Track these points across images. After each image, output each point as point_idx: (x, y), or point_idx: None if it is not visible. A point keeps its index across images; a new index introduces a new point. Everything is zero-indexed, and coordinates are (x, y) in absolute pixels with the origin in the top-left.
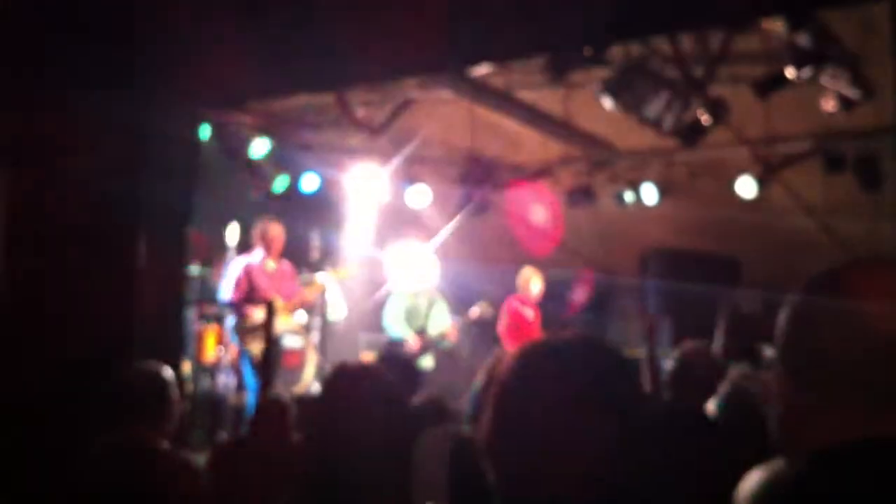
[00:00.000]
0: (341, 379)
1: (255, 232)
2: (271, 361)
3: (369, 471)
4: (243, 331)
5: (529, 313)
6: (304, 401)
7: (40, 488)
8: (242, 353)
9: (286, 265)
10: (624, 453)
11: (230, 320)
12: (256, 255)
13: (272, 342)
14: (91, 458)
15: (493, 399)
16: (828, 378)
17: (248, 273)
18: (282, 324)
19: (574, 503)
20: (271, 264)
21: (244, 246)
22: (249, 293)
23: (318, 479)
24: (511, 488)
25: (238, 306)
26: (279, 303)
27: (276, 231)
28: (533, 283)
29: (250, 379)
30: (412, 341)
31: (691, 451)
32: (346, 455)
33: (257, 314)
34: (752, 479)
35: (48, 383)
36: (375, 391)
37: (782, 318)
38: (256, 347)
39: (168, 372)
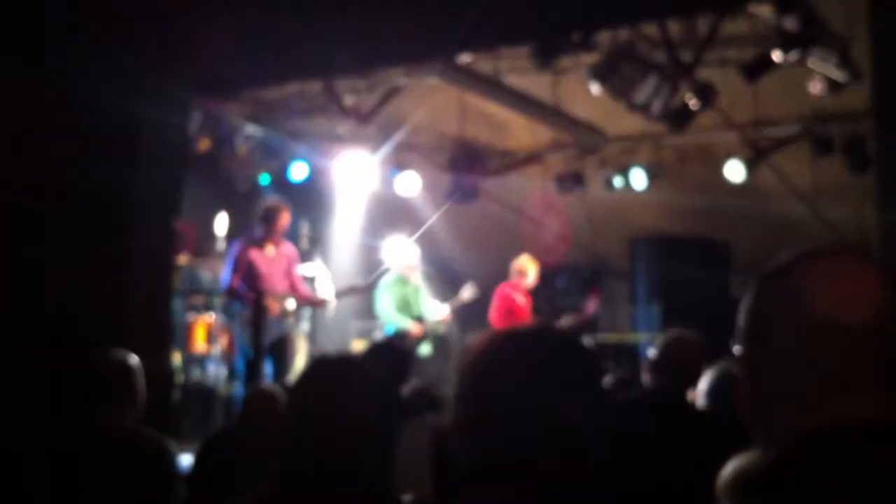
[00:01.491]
0: (317, 372)
1: (258, 209)
2: (260, 351)
3: (348, 462)
4: (243, 319)
5: (521, 299)
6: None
7: (20, 469)
8: (238, 342)
9: (289, 248)
10: (587, 437)
11: (234, 306)
12: (256, 234)
13: (260, 332)
14: (74, 440)
15: (458, 388)
16: (776, 365)
17: (244, 252)
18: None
19: (542, 488)
20: (271, 249)
21: (232, 235)
22: (249, 279)
23: (295, 469)
24: (477, 473)
25: (237, 294)
26: (289, 304)
27: (284, 214)
28: (529, 271)
29: (241, 369)
30: (414, 330)
31: (673, 436)
32: (323, 446)
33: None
34: (728, 470)
35: (36, 374)
36: (354, 383)
37: (740, 307)
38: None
39: (133, 360)
